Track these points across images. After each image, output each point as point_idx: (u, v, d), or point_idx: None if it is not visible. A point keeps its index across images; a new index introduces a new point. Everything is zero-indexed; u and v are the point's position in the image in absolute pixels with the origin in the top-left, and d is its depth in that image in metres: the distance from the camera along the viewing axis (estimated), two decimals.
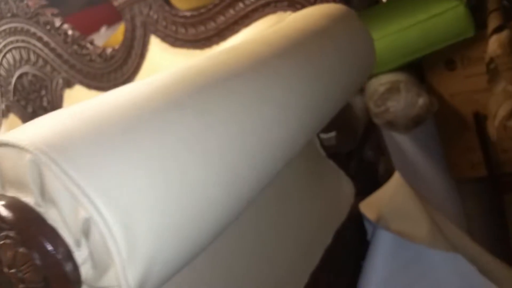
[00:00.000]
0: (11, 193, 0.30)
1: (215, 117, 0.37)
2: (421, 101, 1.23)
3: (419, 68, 1.31)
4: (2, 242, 0.28)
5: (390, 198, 0.92)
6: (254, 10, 0.84)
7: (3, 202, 0.29)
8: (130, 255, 0.27)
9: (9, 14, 1.18)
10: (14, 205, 0.29)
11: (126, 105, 0.33)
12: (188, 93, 0.38)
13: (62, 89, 1.19)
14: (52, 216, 0.27)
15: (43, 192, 0.27)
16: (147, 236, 0.28)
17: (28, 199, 0.29)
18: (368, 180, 1.95)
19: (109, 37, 1.83)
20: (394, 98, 1.38)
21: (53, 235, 0.28)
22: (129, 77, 1.05)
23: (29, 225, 0.28)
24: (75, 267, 0.27)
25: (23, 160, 0.28)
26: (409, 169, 1.43)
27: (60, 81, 1.18)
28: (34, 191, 0.28)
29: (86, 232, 0.27)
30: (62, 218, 0.27)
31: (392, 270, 0.85)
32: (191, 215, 0.32)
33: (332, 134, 1.57)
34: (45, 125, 0.31)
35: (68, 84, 1.18)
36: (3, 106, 1.35)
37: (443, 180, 1.35)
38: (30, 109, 1.29)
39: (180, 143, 0.33)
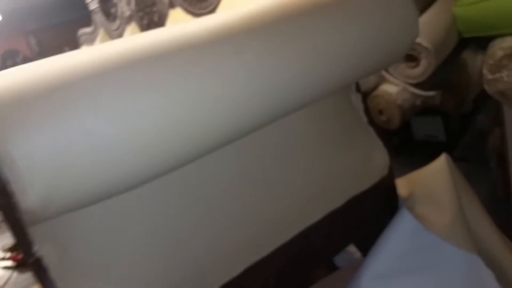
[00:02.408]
0: None
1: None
2: None
3: None
4: None
5: (426, 179, 0.87)
6: None
7: None
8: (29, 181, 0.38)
9: None
10: None
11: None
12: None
13: (167, 9, 1.32)
14: None
15: None
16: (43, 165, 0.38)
17: None
18: (474, 148, 1.78)
19: None
20: (511, 67, 1.21)
21: None
22: (212, 9, 1.12)
23: None
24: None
25: None
26: None
27: (166, 1, 1.31)
28: None
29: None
30: None
31: (403, 252, 0.84)
32: None
33: (433, 93, 1.46)
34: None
35: (172, 5, 1.30)
36: (127, 14, 1.55)
37: None
38: (145, 21, 1.47)
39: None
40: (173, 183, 0.60)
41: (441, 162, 0.85)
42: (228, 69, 0.49)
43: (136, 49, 0.45)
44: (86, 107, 0.40)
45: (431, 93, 1.39)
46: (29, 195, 0.40)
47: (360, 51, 0.65)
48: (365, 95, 0.95)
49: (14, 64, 5.14)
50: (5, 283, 1.55)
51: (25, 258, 0.57)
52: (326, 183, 0.80)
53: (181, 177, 0.61)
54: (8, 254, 1.72)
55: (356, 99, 0.86)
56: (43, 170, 0.39)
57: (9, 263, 1.67)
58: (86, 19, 1.91)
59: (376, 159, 0.86)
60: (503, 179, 1.48)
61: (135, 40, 0.47)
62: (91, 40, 1.97)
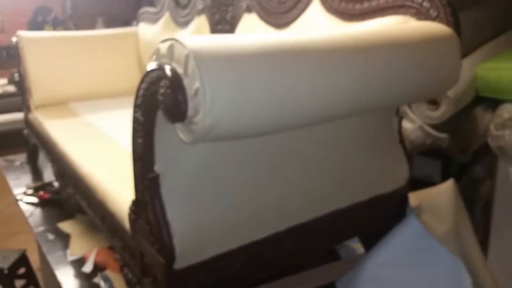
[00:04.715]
0: (174, 64, 0.63)
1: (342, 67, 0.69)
2: None
3: None
4: (163, 83, 0.62)
5: (434, 196, 1.09)
6: (392, 7, 1.04)
7: (169, 67, 0.62)
8: (210, 110, 0.58)
9: None
10: (172, 69, 0.62)
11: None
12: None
13: (243, 12, 1.54)
14: (186, 82, 0.60)
15: (186, 70, 0.60)
16: (224, 105, 0.59)
17: (179, 69, 0.61)
18: (466, 194, 2.02)
19: None
20: None
21: (183, 88, 0.60)
22: (288, 23, 1.34)
23: (175, 80, 0.61)
24: (186, 103, 0.60)
25: (183, 51, 0.60)
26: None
27: (244, 5, 1.53)
28: (183, 68, 0.60)
29: (195, 92, 0.59)
30: (189, 85, 0.59)
31: (406, 248, 1.06)
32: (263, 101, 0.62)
33: (444, 135, 1.70)
34: (205, 38, 0.63)
35: (249, 9, 1.51)
36: (199, 7, 1.76)
37: None
38: (217, 17, 1.68)
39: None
40: (268, 146, 0.81)
41: (449, 185, 1.08)
42: (339, 71, 0.71)
43: (295, 43, 0.68)
44: (265, 70, 0.62)
45: (442, 135, 1.62)
46: (205, 116, 0.60)
47: (412, 83, 0.86)
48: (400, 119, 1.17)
49: (44, 21, 5.27)
50: (30, 216, 1.71)
51: (146, 173, 0.77)
52: (358, 178, 1.02)
53: (264, 146, 0.82)
54: (31, 191, 1.88)
55: (394, 120, 1.09)
56: (223, 102, 0.60)
57: (33, 199, 1.84)
58: None
59: (399, 171, 1.08)
60: (483, 229, 1.71)
61: (296, 37, 0.70)
62: (152, 20, 2.16)
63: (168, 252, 0.75)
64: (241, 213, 0.82)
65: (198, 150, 0.73)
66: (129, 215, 0.86)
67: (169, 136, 0.71)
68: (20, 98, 2.11)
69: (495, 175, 1.68)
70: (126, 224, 0.89)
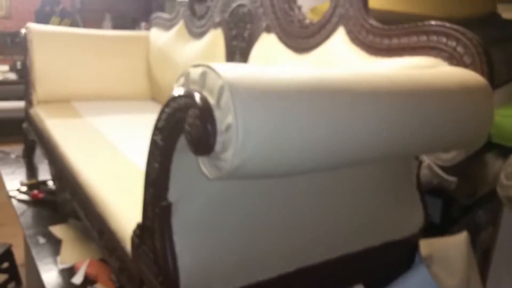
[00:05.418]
0: (205, 92, 0.58)
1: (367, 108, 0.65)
2: None
3: None
4: (192, 112, 0.57)
5: (446, 247, 1.06)
6: (423, 48, 1.01)
7: (199, 96, 0.58)
8: (241, 148, 0.54)
9: None
10: (203, 99, 0.58)
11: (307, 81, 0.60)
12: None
13: (262, 31, 1.50)
14: (217, 114, 0.56)
15: (219, 102, 0.56)
16: (256, 144, 0.55)
17: (210, 99, 0.57)
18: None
19: (321, 3, 2.10)
20: None
21: (213, 120, 0.56)
22: (309, 48, 1.31)
23: (205, 111, 0.57)
24: (215, 137, 0.56)
25: (218, 82, 0.56)
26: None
27: (264, 24, 1.49)
28: (215, 99, 0.56)
29: (227, 128, 0.55)
30: (221, 118, 0.55)
31: None
32: (295, 145, 0.57)
33: (453, 178, 1.67)
34: (240, 69, 0.59)
35: (268, 29, 1.48)
36: (216, 20, 1.73)
37: None
38: (233, 32, 1.65)
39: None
40: (285, 185, 0.77)
41: (462, 238, 1.05)
42: (374, 114, 0.68)
43: (332, 81, 0.64)
44: (302, 109, 0.58)
45: (451, 178, 1.59)
46: (235, 155, 0.56)
47: (442, 132, 0.83)
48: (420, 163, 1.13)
49: (52, 11, 5.22)
50: (21, 215, 1.65)
51: (158, 201, 0.72)
52: (372, 223, 0.98)
53: (280, 184, 0.78)
54: (25, 189, 1.82)
55: (413, 164, 1.05)
56: (256, 142, 0.56)
57: (25, 197, 1.77)
58: None
59: (414, 217, 1.04)
60: (481, 275, 1.68)
61: (331, 74, 0.66)
62: (166, 26, 2.12)
63: (172, 286, 0.70)
64: (252, 250, 0.77)
65: (215, 181, 0.69)
66: (132, 238, 0.81)
67: (187, 164, 0.67)
68: (20, 87, 2.06)
69: (499, 223, 1.65)
70: (128, 246, 0.84)
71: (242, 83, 0.56)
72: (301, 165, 0.62)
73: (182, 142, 0.65)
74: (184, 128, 0.59)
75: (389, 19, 1.26)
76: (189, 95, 0.60)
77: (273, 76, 0.60)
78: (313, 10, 2.00)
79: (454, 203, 2.05)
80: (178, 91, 0.62)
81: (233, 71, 0.58)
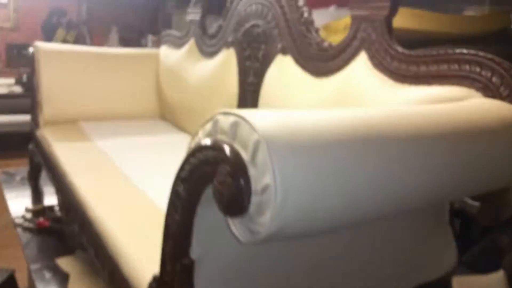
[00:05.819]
0: (237, 146, 0.53)
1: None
2: None
3: None
4: (222, 168, 0.51)
5: (482, 285, 0.99)
6: (454, 77, 0.95)
7: (229, 149, 0.53)
8: (280, 212, 0.48)
9: None
10: (236, 153, 0.52)
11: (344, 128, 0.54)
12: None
13: (277, 52, 1.45)
14: (252, 172, 0.50)
15: (254, 159, 0.50)
16: (297, 205, 0.49)
17: (243, 154, 0.52)
18: (484, 260, 1.92)
19: (334, 19, 2.04)
20: None
21: (247, 179, 0.50)
22: (328, 72, 1.25)
23: (238, 167, 0.51)
24: (249, 197, 0.50)
25: (252, 136, 0.50)
26: None
27: (279, 46, 1.44)
28: (249, 155, 0.50)
29: (264, 189, 0.49)
30: (256, 177, 0.49)
31: None
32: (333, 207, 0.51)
33: (476, 203, 1.60)
34: (276, 119, 0.53)
35: (284, 51, 1.43)
36: (228, 39, 1.68)
37: None
38: (247, 53, 1.59)
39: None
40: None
41: (499, 276, 0.98)
42: (419, 163, 0.62)
43: (370, 127, 0.58)
44: (344, 162, 0.52)
45: (474, 203, 1.53)
46: (274, 219, 0.50)
47: (484, 174, 0.77)
48: None
49: (58, 23, 5.20)
50: (26, 245, 1.58)
51: (179, 257, 0.66)
52: (400, 268, 0.91)
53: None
54: (30, 215, 1.75)
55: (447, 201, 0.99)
56: (297, 203, 0.50)
57: (30, 225, 1.70)
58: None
59: (447, 255, 0.98)
60: None
61: (369, 118, 0.60)
62: (176, 44, 2.07)
63: None
64: None
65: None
66: None
67: (212, 216, 0.61)
68: (26, 100, 2.01)
69: None
70: None
71: (280, 137, 0.50)
72: (342, 222, 0.56)
73: (207, 194, 0.59)
74: (214, 185, 0.53)
75: (405, 37, 1.20)
76: (218, 148, 0.54)
77: (310, 126, 0.54)
78: (326, 27, 1.95)
79: (473, 224, 1.98)
80: (206, 141, 0.56)
81: (269, 123, 0.52)
